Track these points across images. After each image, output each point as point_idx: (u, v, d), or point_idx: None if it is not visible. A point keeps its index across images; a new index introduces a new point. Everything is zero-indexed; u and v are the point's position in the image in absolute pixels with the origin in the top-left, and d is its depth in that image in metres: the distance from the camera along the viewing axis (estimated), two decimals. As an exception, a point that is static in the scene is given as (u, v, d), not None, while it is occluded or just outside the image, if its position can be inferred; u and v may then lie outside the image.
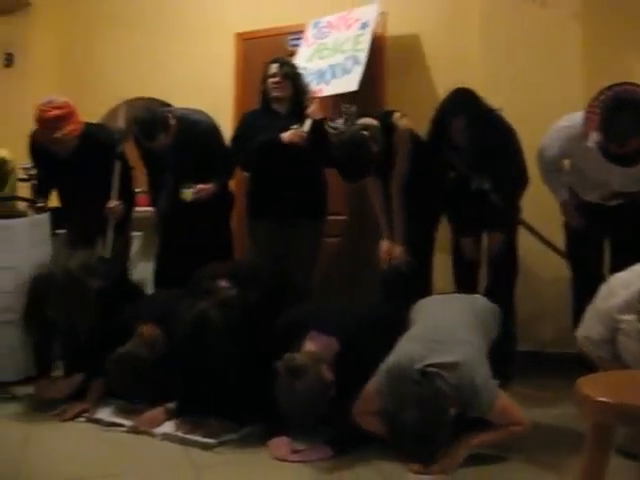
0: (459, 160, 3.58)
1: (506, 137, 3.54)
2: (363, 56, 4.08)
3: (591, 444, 1.64)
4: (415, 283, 3.57)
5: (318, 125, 3.85)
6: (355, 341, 2.70)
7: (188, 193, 3.97)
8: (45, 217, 3.71)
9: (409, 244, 3.63)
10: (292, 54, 4.48)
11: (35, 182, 4.01)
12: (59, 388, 3.18)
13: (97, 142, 3.92)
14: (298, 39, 4.60)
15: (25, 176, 4.08)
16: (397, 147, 3.61)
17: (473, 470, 2.47)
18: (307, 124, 3.85)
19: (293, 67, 4.06)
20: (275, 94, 3.93)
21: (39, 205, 3.99)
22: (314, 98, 4.04)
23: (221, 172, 4.01)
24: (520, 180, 3.57)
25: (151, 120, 3.81)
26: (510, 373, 3.00)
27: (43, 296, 3.15)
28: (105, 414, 3.01)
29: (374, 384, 2.55)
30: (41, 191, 4.04)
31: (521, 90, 3.95)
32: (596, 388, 1.60)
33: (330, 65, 4.21)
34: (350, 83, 4.06)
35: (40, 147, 3.89)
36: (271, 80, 3.93)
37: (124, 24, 5.23)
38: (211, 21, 4.92)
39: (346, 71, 4.13)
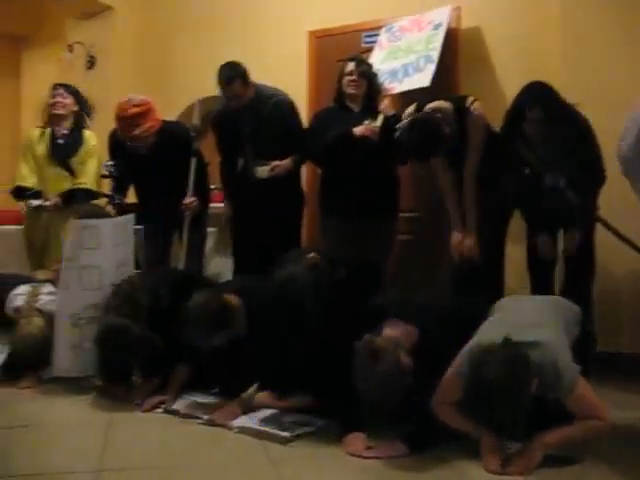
0: (532, 155, 3.52)
1: (582, 133, 3.46)
2: (436, 54, 4.09)
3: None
4: (486, 278, 3.55)
5: (390, 122, 3.86)
6: (435, 333, 2.69)
7: (263, 170, 4.04)
8: (130, 218, 3.82)
9: (481, 237, 3.61)
10: (366, 52, 4.50)
11: (115, 177, 4.17)
12: (138, 393, 3.26)
13: (174, 139, 4.05)
14: (373, 36, 4.61)
15: (106, 172, 4.22)
16: (470, 133, 3.58)
17: (546, 473, 2.43)
18: (379, 120, 3.88)
19: (369, 66, 4.10)
20: (350, 91, 3.97)
21: (117, 202, 4.13)
22: (386, 95, 4.06)
23: (298, 151, 4.07)
24: (596, 177, 3.49)
25: (232, 66, 4.00)
26: (588, 374, 2.94)
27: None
28: (182, 406, 3.09)
29: (454, 368, 2.54)
30: (119, 188, 4.19)
31: (600, 85, 3.85)
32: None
33: (403, 64, 4.22)
34: (422, 80, 4.08)
35: (119, 144, 4.03)
36: (348, 78, 3.97)
37: (199, 25, 5.36)
38: (285, 19, 4.97)
39: (418, 69, 4.15)
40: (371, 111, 3.96)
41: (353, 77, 3.96)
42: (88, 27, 5.70)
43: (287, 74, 4.66)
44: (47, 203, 4.38)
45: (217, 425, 2.87)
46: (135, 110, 3.87)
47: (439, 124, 3.45)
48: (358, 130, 3.83)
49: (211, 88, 4.79)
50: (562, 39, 4.06)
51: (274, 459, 2.53)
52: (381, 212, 3.96)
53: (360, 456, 2.56)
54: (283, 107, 4.07)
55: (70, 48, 5.73)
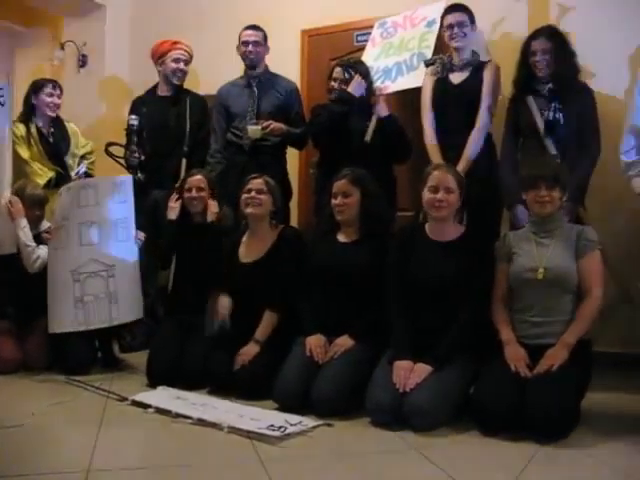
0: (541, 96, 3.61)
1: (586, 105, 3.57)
2: (429, 53, 4.06)
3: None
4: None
5: (384, 122, 3.86)
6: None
7: (255, 129, 4.05)
8: (129, 178, 3.98)
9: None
10: (358, 50, 4.49)
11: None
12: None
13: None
14: (365, 35, 4.59)
15: (133, 126, 4.41)
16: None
17: (541, 463, 2.48)
18: (373, 121, 3.87)
19: (359, 68, 4.05)
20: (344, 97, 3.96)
21: (138, 156, 4.39)
22: (380, 95, 4.04)
23: (296, 126, 4.24)
24: (593, 154, 3.54)
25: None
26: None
27: None
28: (173, 405, 3.07)
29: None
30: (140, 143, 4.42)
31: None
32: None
33: (396, 62, 4.18)
34: (416, 79, 4.05)
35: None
36: (333, 84, 3.99)
37: (192, 24, 5.34)
38: (278, 18, 4.95)
39: (412, 68, 4.12)
40: (366, 111, 3.95)
41: (337, 84, 3.97)
42: (80, 25, 5.68)
43: (280, 72, 4.64)
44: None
45: (208, 425, 2.86)
46: None
47: None
48: (350, 87, 3.89)
49: (207, 86, 4.82)
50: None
51: (264, 459, 2.51)
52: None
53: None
54: (289, 91, 4.37)
55: (62, 46, 5.70)
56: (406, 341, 3.04)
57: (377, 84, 4.13)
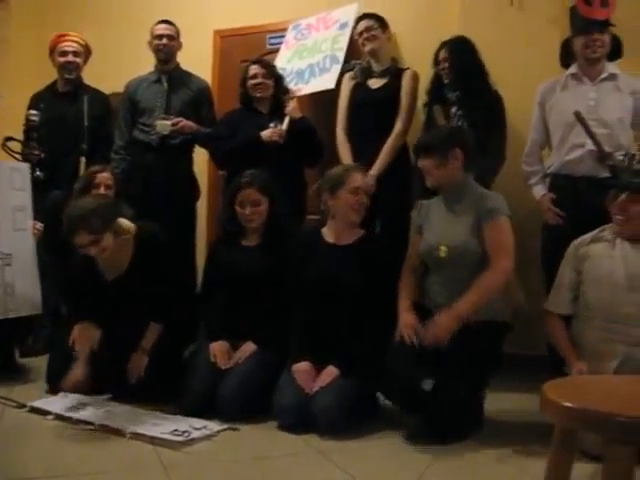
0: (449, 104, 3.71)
1: (492, 112, 3.65)
2: (341, 55, 4.11)
3: (556, 447, 1.66)
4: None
5: (297, 124, 3.85)
6: None
7: (165, 124, 3.97)
8: (26, 165, 3.79)
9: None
10: (270, 53, 4.50)
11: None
12: None
13: None
14: (278, 37, 4.60)
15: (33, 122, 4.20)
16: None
17: (444, 463, 2.53)
18: (285, 122, 3.85)
19: (273, 67, 4.06)
20: (257, 94, 3.95)
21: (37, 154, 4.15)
22: (292, 97, 4.04)
23: (206, 125, 4.17)
24: (496, 166, 3.63)
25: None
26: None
27: None
28: (74, 413, 2.98)
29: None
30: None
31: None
32: (561, 393, 1.61)
33: (309, 64, 4.23)
34: (328, 81, 4.10)
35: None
36: (252, 81, 3.94)
37: (100, 21, 5.23)
38: (190, 18, 4.89)
39: (325, 70, 4.17)
40: (279, 113, 3.93)
41: (258, 80, 3.92)
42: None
43: (192, 71, 4.58)
44: None
45: (110, 431, 2.79)
46: None
47: None
48: (266, 134, 3.81)
49: (115, 84, 4.71)
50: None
51: (167, 464, 2.47)
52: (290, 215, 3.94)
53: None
54: (200, 89, 4.29)
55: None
56: (304, 344, 3.04)
57: (290, 86, 4.14)
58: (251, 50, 4.56)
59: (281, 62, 4.33)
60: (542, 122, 3.50)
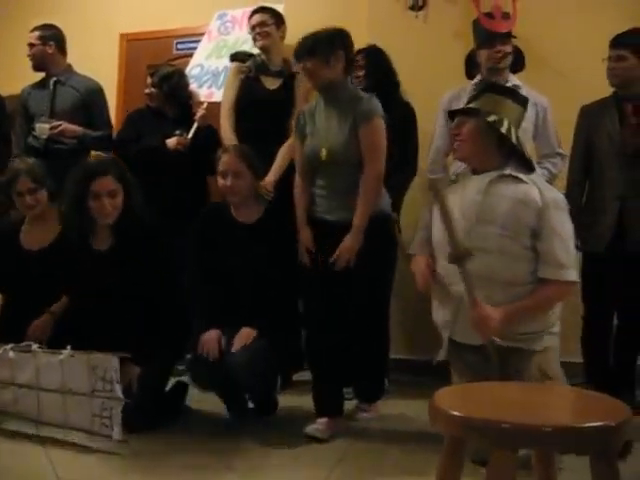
0: None
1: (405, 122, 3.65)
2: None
3: (445, 455, 1.67)
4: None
5: (202, 133, 3.80)
6: None
7: (43, 127, 3.86)
8: None
9: None
10: (177, 58, 4.43)
11: None
12: None
13: None
14: (185, 43, 4.54)
15: None
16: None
17: (342, 467, 2.57)
18: (192, 131, 3.79)
19: (169, 80, 3.92)
20: (152, 104, 3.94)
21: None
22: (202, 102, 3.96)
23: (97, 128, 4.07)
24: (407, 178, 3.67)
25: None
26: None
27: None
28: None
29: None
30: None
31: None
32: (449, 401, 1.63)
33: (225, 67, 4.04)
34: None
35: None
36: (146, 91, 3.94)
37: (6, 18, 5.03)
38: (96, 20, 4.80)
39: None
40: (186, 117, 3.87)
41: (146, 91, 3.93)
42: None
43: (97, 75, 4.47)
44: None
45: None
46: None
47: None
48: (170, 143, 3.75)
49: (14, 88, 4.54)
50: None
51: (62, 477, 2.41)
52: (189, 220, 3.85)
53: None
54: (90, 91, 4.12)
55: None
56: (213, 316, 3.00)
57: (203, 89, 4.06)
58: (158, 55, 4.49)
59: (200, 58, 4.18)
60: (446, 129, 3.55)
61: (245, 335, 2.91)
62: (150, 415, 2.88)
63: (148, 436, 2.80)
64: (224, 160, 3.10)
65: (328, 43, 2.91)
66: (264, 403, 3.19)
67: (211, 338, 2.92)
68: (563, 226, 2.42)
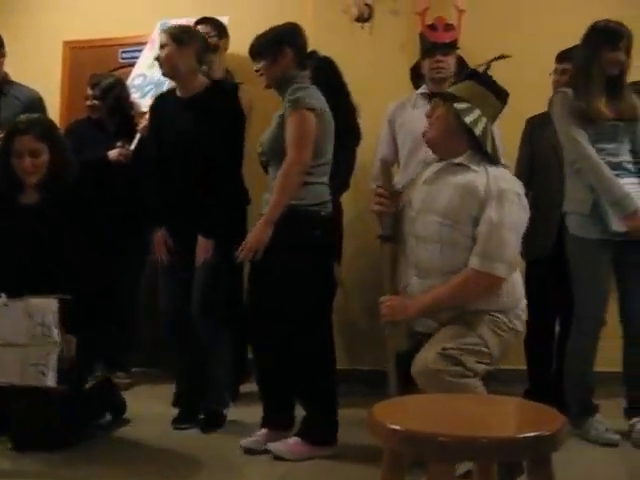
0: None
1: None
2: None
3: (385, 468, 1.66)
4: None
5: (144, 143, 3.73)
6: None
7: None
8: None
9: None
10: (123, 67, 4.38)
11: None
12: None
13: None
14: (131, 52, 4.48)
15: None
16: None
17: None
18: (135, 142, 3.75)
19: (112, 91, 3.92)
20: (94, 116, 3.91)
21: None
22: (145, 113, 3.91)
23: None
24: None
25: None
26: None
27: None
28: None
29: None
30: None
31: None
32: (387, 414, 1.63)
33: (167, 77, 4.06)
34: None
35: None
36: (87, 103, 3.91)
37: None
38: (38, 27, 4.70)
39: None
40: (127, 127, 3.83)
41: (91, 102, 3.90)
42: None
43: (40, 83, 4.38)
44: None
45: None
46: None
47: None
48: (112, 155, 3.72)
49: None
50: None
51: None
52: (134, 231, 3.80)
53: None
54: (31, 100, 3.96)
55: None
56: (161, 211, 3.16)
57: (146, 99, 4.00)
58: (103, 63, 4.44)
59: (142, 67, 4.12)
60: (391, 139, 3.60)
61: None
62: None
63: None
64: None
65: (274, 42, 2.95)
66: (211, 416, 3.15)
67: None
68: (503, 217, 2.36)
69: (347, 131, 3.64)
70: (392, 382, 2.46)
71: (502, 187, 2.39)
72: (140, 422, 3.22)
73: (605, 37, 3.04)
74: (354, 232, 3.89)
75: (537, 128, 3.52)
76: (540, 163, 3.47)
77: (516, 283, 2.50)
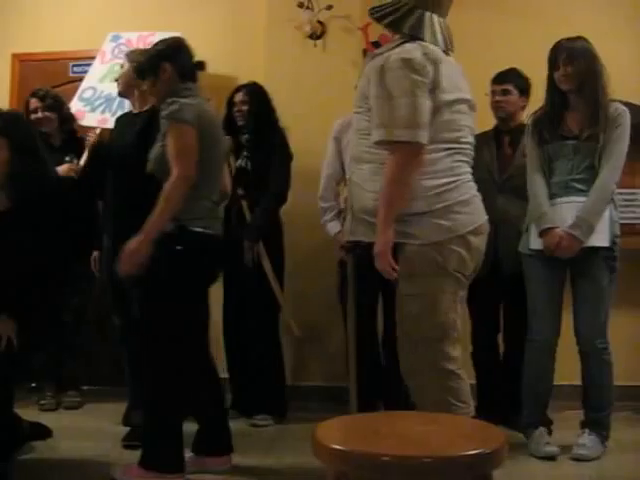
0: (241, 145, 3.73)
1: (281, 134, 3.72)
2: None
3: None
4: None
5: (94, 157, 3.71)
6: None
7: None
8: None
9: None
10: (74, 82, 4.31)
11: None
12: None
13: None
14: (81, 66, 4.42)
15: None
16: None
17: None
18: (84, 157, 3.68)
19: (60, 100, 3.91)
20: (45, 129, 3.84)
21: None
22: (95, 128, 3.87)
23: None
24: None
25: None
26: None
27: None
28: None
29: None
30: None
31: (299, 130, 3.99)
32: (330, 435, 1.63)
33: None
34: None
35: None
36: (33, 116, 3.84)
37: None
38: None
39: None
40: (73, 143, 3.81)
41: (38, 115, 3.83)
42: None
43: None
44: None
45: None
46: None
47: None
48: (61, 170, 3.64)
49: None
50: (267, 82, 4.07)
51: None
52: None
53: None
54: None
55: None
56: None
57: (96, 113, 3.97)
58: (53, 77, 4.38)
59: (92, 80, 4.08)
60: (337, 157, 3.62)
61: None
62: None
63: None
64: None
65: (152, 62, 2.96)
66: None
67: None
68: (381, 86, 2.31)
69: (280, 150, 3.73)
70: (352, 399, 2.46)
71: (389, 57, 2.34)
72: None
73: (549, 59, 3.13)
74: (295, 246, 3.90)
75: (475, 149, 3.57)
76: (477, 182, 3.52)
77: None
